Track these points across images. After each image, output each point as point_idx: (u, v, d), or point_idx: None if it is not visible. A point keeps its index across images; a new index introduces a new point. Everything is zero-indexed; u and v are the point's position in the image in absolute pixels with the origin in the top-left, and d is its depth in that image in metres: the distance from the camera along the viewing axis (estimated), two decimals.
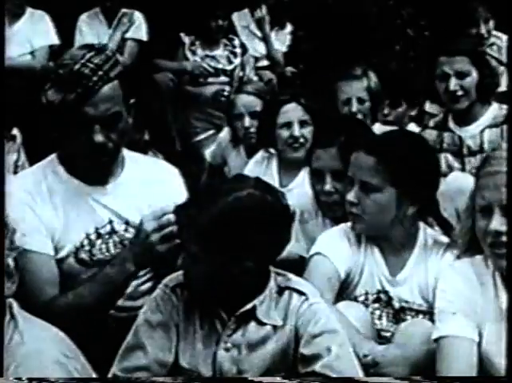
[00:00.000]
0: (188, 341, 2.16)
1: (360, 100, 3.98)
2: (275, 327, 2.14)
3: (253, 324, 2.15)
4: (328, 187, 2.96)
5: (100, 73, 2.36)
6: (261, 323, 2.15)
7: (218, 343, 2.15)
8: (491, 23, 5.00)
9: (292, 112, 3.73)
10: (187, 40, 5.60)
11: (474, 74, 3.79)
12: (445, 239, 2.65)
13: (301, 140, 3.68)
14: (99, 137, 2.37)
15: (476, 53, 3.90)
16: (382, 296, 2.58)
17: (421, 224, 2.66)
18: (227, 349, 2.14)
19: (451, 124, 3.89)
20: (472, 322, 2.25)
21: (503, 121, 3.77)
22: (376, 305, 2.58)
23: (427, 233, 2.65)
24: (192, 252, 2.10)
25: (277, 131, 3.74)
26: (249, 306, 2.14)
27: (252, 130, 4.28)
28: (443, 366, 2.23)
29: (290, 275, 2.22)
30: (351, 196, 2.57)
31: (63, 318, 2.21)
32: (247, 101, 4.39)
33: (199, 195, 2.20)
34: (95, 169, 2.50)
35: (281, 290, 2.18)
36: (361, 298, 2.58)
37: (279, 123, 3.73)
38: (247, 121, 4.32)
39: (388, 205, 2.54)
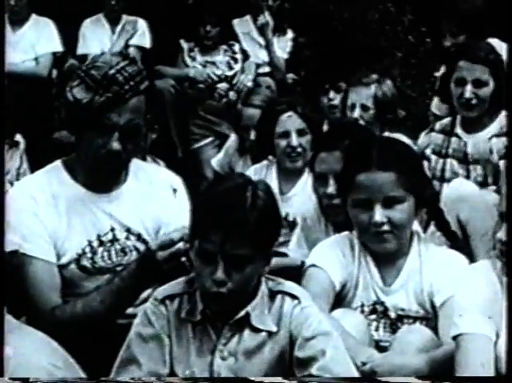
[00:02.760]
0: (182, 351, 2.15)
1: (364, 107, 4.02)
2: (270, 333, 2.13)
3: (247, 331, 2.14)
4: (330, 189, 2.95)
5: (132, 83, 2.38)
6: (255, 330, 2.13)
7: (214, 352, 2.13)
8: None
9: (289, 121, 3.73)
10: (186, 46, 5.61)
11: (491, 85, 3.71)
12: (439, 242, 2.66)
13: (299, 149, 3.69)
14: (116, 145, 2.38)
15: (496, 63, 3.79)
16: (378, 307, 2.57)
17: (414, 228, 2.66)
18: (224, 358, 2.13)
19: (459, 130, 3.84)
20: (491, 321, 2.26)
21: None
22: (373, 316, 2.57)
23: (421, 237, 2.65)
24: (236, 258, 2.07)
25: (275, 140, 3.74)
26: (242, 313, 2.13)
27: None
28: (461, 363, 2.24)
29: (281, 279, 2.21)
30: (378, 217, 2.50)
31: (66, 327, 2.23)
32: (253, 114, 4.38)
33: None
34: (101, 176, 2.51)
35: (272, 295, 2.17)
36: (357, 310, 2.56)
37: (277, 132, 3.73)
38: (253, 134, 4.31)
39: (412, 213, 2.55)
